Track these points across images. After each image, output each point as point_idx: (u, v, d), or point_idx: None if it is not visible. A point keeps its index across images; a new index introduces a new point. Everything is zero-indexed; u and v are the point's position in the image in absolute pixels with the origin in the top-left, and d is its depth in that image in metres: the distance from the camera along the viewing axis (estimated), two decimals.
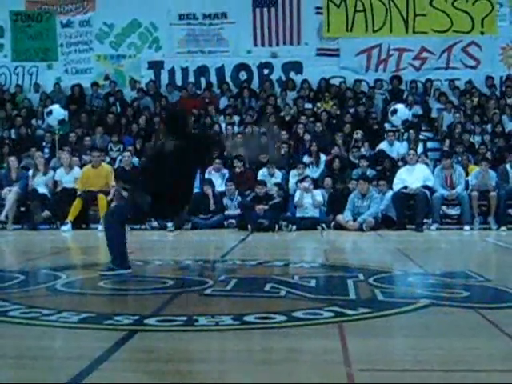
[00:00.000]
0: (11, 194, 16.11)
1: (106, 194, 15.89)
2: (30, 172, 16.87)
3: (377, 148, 18.37)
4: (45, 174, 16.70)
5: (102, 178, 16.21)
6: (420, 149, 18.38)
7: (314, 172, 17.47)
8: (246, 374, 4.21)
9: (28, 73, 23.83)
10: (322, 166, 17.80)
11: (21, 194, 16.25)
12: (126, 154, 17.07)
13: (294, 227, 15.41)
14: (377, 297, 6.58)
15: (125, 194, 15.87)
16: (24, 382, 3.99)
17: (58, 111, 19.01)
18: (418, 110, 20.89)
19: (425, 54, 22.54)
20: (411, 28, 22.57)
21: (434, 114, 21.18)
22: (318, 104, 21.12)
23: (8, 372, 4.27)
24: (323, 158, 18.01)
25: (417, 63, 22.58)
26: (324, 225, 15.58)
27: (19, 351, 4.74)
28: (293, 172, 17.15)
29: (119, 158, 17.76)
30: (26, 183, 16.47)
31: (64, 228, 15.55)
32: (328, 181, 16.62)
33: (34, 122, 21.35)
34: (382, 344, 4.95)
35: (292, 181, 16.96)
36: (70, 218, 15.70)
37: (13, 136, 20.28)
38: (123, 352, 4.63)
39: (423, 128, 20.53)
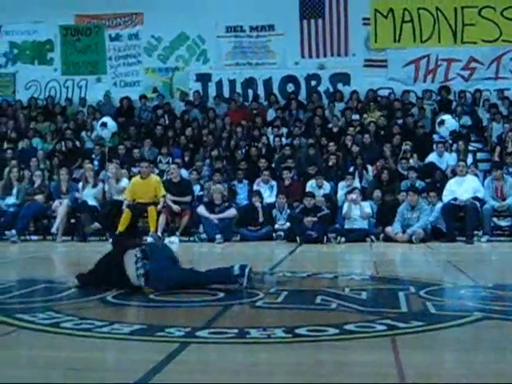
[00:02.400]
0: (62, 206, 16.25)
1: (156, 205, 15.95)
2: (80, 184, 17.03)
3: (426, 160, 18.23)
4: (94, 185, 16.84)
5: (150, 189, 16.25)
6: (470, 160, 18.22)
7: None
8: None
9: (77, 86, 24.10)
10: (369, 177, 17.73)
11: (71, 206, 16.39)
12: (173, 166, 17.14)
13: (343, 239, 15.35)
14: (429, 310, 6.51)
15: (175, 207, 16.01)
16: None
17: (111, 124, 19.20)
18: (467, 120, 20.69)
19: (473, 64, 22.33)
20: (459, 38, 22.39)
21: (484, 125, 20.95)
22: (365, 115, 21.03)
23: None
24: (370, 169, 17.94)
25: (465, 73, 22.38)
26: (373, 237, 15.49)
27: (72, 363, 4.76)
28: (341, 183, 17.09)
29: (167, 169, 17.85)
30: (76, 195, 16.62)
31: None
32: (377, 192, 16.54)
33: (83, 134, 21.56)
34: (436, 357, 4.90)
35: (340, 192, 16.90)
36: (121, 229, 15.73)
37: (63, 149, 20.46)
38: (176, 364, 4.63)
39: (472, 139, 20.33)
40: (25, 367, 4.63)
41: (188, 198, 16.46)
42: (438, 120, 18.55)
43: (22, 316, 6.19)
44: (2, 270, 10.73)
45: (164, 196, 16.05)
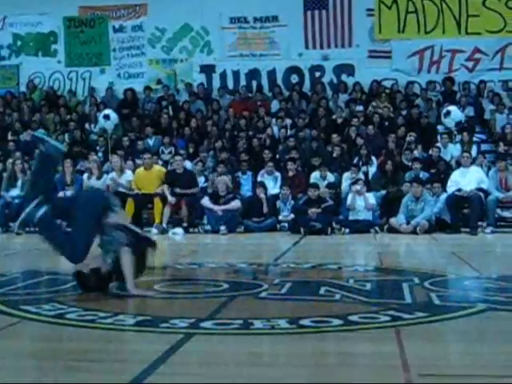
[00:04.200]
0: None
1: (161, 196, 15.96)
2: (85, 176, 17.03)
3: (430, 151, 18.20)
4: (99, 178, 16.84)
5: (154, 180, 16.29)
6: (474, 151, 18.19)
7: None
8: (303, 378, 4.20)
9: (81, 78, 24.07)
10: (374, 168, 17.72)
11: None
12: (178, 157, 17.11)
13: (347, 230, 15.35)
14: (433, 301, 6.52)
15: (170, 198, 15.97)
16: None
17: (114, 116, 19.21)
18: (470, 111, 20.67)
19: (478, 55, 22.26)
20: (464, 29, 22.31)
21: (486, 116, 20.93)
22: (373, 103, 20.98)
23: (65, 374, 4.31)
24: (375, 160, 17.93)
25: (470, 64, 22.32)
26: (377, 228, 15.49)
27: (76, 354, 4.77)
28: (345, 175, 17.08)
29: (171, 160, 17.82)
30: (81, 187, 16.62)
31: None
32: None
33: (87, 126, 21.56)
34: (440, 349, 4.91)
35: (344, 184, 16.89)
36: None
37: (67, 140, 20.46)
38: (180, 355, 4.64)
39: (476, 130, 20.30)
40: (30, 358, 4.64)
41: (196, 190, 16.44)
42: (444, 111, 18.51)
43: (27, 307, 6.21)
44: (7, 262, 10.77)
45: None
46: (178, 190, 16.07)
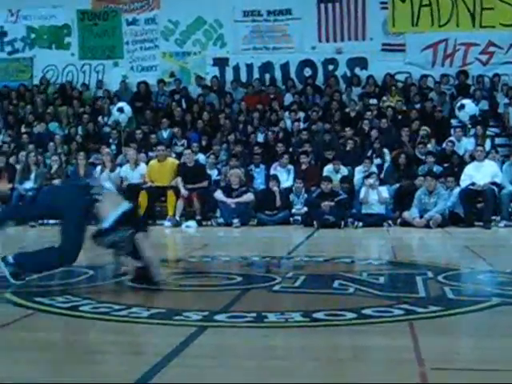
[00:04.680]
0: None
1: (174, 189, 15.98)
2: (98, 168, 17.07)
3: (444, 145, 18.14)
4: (112, 170, 16.88)
5: (167, 173, 16.33)
6: (488, 145, 18.12)
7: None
8: (316, 371, 4.20)
9: (94, 70, 24.10)
10: (387, 162, 17.68)
11: None
12: (187, 151, 17.08)
13: (360, 224, 15.32)
14: (447, 295, 6.51)
15: (182, 191, 15.98)
16: (95, 377, 4.02)
17: (128, 108, 19.24)
18: (484, 105, 20.58)
19: (492, 49, 22.15)
20: (478, 22, 22.19)
21: (500, 110, 20.83)
22: (384, 98, 20.94)
23: (78, 366, 4.32)
24: (386, 153, 17.89)
25: (484, 58, 22.21)
26: (390, 221, 15.46)
27: (91, 346, 4.79)
28: (358, 168, 17.05)
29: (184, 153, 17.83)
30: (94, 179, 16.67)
31: None
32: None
33: (100, 118, 21.60)
34: (454, 343, 4.91)
35: (357, 177, 16.86)
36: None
37: (80, 133, 20.51)
38: (194, 348, 4.64)
39: (490, 124, 20.21)
40: (43, 350, 4.65)
41: (204, 184, 16.43)
42: (458, 104, 18.44)
43: (41, 299, 6.23)
44: None
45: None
46: (187, 186, 16.09)
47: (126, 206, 7.04)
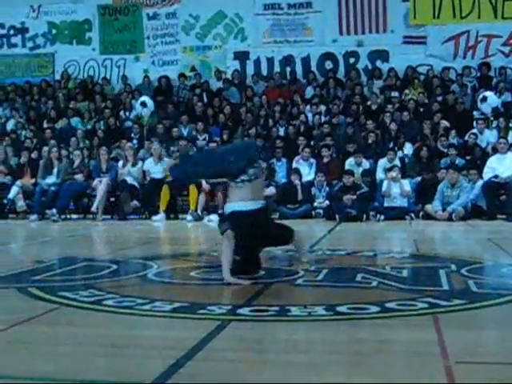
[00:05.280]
0: (102, 185, 16.34)
1: (196, 183, 15.99)
2: (120, 163, 17.13)
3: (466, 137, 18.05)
4: (134, 164, 16.94)
5: None
6: (510, 137, 18.00)
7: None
8: (340, 365, 4.20)
9: (116, 65, 24.18)
10: (408, 154, 17.62)
11: (111, 184, 16.49)
12: (212, 145, 17.13)
13: (382, 217, 15.29)
14: (470, 288, 6.47)
15: (204, 185, 15.97)
16: (118, 372, 4.03)
17: (150, 103, 19.29)
18: (507, 97, 20.45)
19: None
20: (500, 13, 22.06)
21: None
22: (407, 91, 20.87)
23: (104, 360, 4.34)
24: (408, 146, 17.83)
25: (506, 49, 22.08)
26: (412, 214, 15.42)
27: (114, 340, 4.80)
28: (380, 161, 16.99)
29: (206, 147, 17.85)
30: (116, 174, 16.72)
31: (156, 218, 15.71)
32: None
33: (122, 113, 21.65)
34: (478, 336, 4.89)
35: (379, 170, 16.81)
36: (163, 207, 15.89)
37: (102, 127, 20.59)
38: (218, 341, 4.64)
39: None
40: (68, 344, 4.67)
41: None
42: (480, 97, 18.37)
43: (65, 294, 6.26)
44: (44, 249, 10.84)
45: None
46: (211, 180, 16.08)
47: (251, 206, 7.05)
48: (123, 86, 23.19)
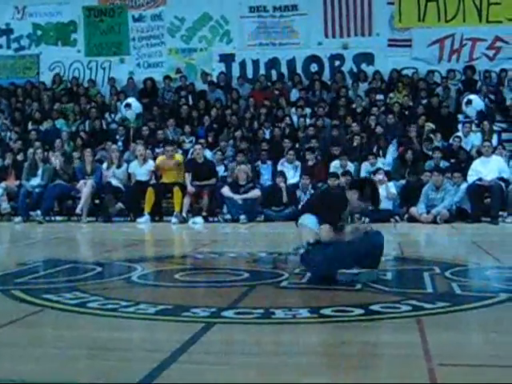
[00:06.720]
0: (86, 187, 16.28)
1: (181, 185, 15.98)
2: (105, 165, 17.09)
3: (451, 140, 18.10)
4: (119, 167, 16.89)
5: (173, 170, 16.32)
6: (495, 140, 18.08)
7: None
8: (324, 367, 4.21)
9: (101, 67, 24.11)
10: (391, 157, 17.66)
11: (95, 187, 16.45)
12: (197, 146, 17.13)
13: (367, 219, 15.28)
14: (454, 291, 6.51)
15: (189, 188, 15.97)
16: (102, 374, 4.03)
17: (136, 105, 19.26)
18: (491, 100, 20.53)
19: (499, 44, 22.06)
20: (485, 17, 22.11)
21: (507, 105, 20.76)
22: (391, 94, 20.92)
23: (87, 362, 4.33)
24: (392, 149, 17.87)
25: (491, 53, 22.13)
26: (397, 217, 15.45)
27: (98, 342, 4.79)
28: (365, 164, 17.02)
29: (191, 150, 17.82)
30: (101, 176, 16.68)
31: (141, 220, 15.67)
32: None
33: (107, 115, 21.61)
34: (462, 338, 4.91)
35: (363, 173, 16.83)
36: (147, 209, 15.85)
37: (86, 130, 20.54)
38: (201, 344, 4.65)
39: (497, 119, 20.16)
40: (52, 346, 4.66)
41: (212, 181, 16.40)
42: (465, 100, 18.42)
43: (49, 296, 6.24)
44: (28, 251, 10.80)
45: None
46: (196, 183, 16.08)
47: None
48: (110, 87, 23.12)
